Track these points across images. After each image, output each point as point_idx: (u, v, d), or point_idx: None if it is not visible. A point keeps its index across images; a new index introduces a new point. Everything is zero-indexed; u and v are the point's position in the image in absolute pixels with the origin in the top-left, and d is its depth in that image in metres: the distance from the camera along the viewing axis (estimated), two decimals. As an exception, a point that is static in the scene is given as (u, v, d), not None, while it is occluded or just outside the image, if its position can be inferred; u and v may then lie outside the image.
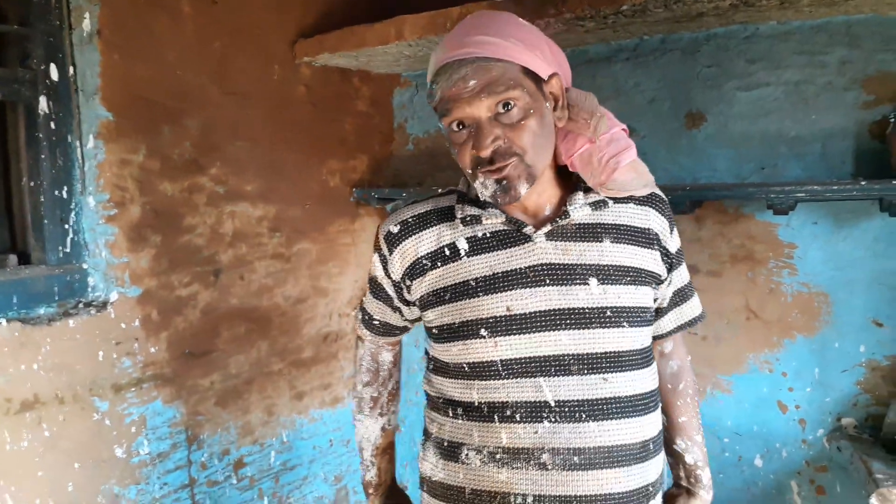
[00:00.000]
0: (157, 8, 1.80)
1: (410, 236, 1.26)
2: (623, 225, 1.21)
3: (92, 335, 1.68)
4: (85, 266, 1.69)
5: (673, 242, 1.28)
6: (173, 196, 1.87)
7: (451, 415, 1.23)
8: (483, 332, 1.16)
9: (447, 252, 1.22)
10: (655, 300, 1.27)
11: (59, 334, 1.62)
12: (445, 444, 1.24)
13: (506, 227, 1.20)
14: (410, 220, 1.28)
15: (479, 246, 1.20)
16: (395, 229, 1.28)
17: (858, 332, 1.78)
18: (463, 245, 1.21)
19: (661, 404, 1.26)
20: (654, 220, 1.24)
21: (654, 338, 1.34)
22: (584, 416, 1.12)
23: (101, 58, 1.69)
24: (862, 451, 1.65)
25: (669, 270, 1.27)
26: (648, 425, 1.18)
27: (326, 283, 2.33)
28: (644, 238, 1.22)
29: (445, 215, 1.26)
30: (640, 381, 1.18)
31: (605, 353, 1.14)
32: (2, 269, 1.59)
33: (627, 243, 1.20)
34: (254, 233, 2.09)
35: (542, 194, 1.21)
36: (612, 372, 1.14)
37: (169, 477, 1.86)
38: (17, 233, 1.69)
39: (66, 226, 1.66)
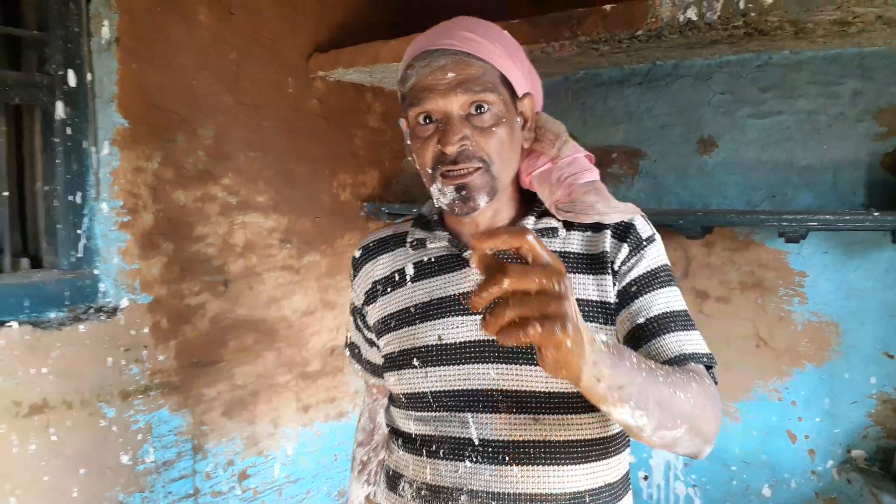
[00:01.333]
0: (174, 17, 1.82)
1: (369, 261, 1.24)
2: (572, 253, 1.10)
3: (101, 341, 1.68)
4: (96, 272, 1.69)
5: (635, 266, 1.08)
6: (186, 205, 1.88)
7: (396, 444, 1.20)
8: (415, 361, 1.12)
9: (396, 277, 1.19)
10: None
11: (69, 339, 1.62)
12: (390, 472, 1.20)
13: (448, 252, 1.15)
14: (371, 244, 1.26)
15: (423, 271, 1.16)
16: (358, 254, 1.27)
17: (869, 363, 1.78)
18: (410, 270, 1.18)
19: (613, 453, 1.10)
20: (608, 244, 1.09)
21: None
22: (507, 458, 1.04)
23: (119, 65, 1.71)
24: (872, 484, 1.64)
25: (625, 294, 1.08)
26: (586, 476, 1.06)
27: (334, 297, 2.33)
28: (595, 264, 1.09)
29: (402, 240, 1.22)
30: (578, 427, 1.05)
31: (535, 392, 1.04)
32: (14, 272, 1.59)
33: (573, 272, 1.09)
34: (264, 244, 2.10)
35: (497, 214, 1.14)
36: (543, 413, 1.04)
37: (173, 486, 1.85)
38: (30, 236, 1.69)
39: (79, 231, 1.66)
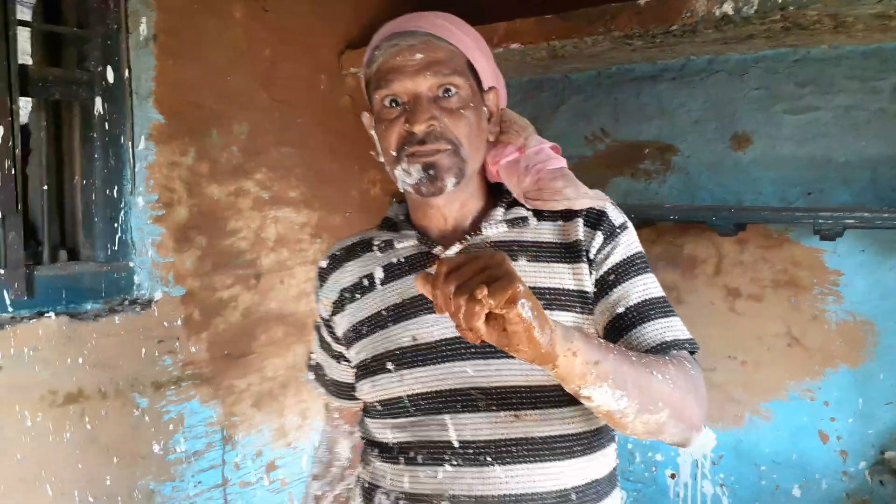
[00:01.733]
0: (210, 14, 1.84)
1: (336, 270, 1.20)
2: (545, 242, 1.08)
3: (136, 332, 1.71)
4: (131, 264, 1.72)
5: (611, 255, 1.06)
6: (220, 199, 1.90)
7: (371, 456, 1.15)
8: (389, 365, 1.07)
9: (365, 283, 1.15)
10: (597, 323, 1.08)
11: (105, 330, 1.65)
12: (366, 485, 1.15)
13: (418, 251, 1.12)
14: (338, 253, 1.21)
15: (393, 273, 1.12)
16: (325, 264, 1.22)
17: (904, 364, 1.75)
18: (379, 274, 1.13)
19: (598, 448, 1.06)
20: (581, 232, 1.06)
21: None
22: (489, 459, 1.00)
23: (157, 62, 1.73)
24: (905, 487, 1.61)
25: (603, 283, 1.06)
26: (571, 473, 1.02)
27: (363, 291, 2.34)
28: (568, 253, 1.06)
29: (369, 245, 1.18)
30: (560, 421, 1.02)
31: (514, 387, 1.01)
32: (53, 263, 1.63)
33: (547, 261, 1.06)
34: (295, 238, 2.12)
35: (465, 205, 1.11)
36: (524, 409, 1.01)
37: (203, 475, 1.88)
38: (68, 229, 1.72)
39: (116, 224, 1.70)
